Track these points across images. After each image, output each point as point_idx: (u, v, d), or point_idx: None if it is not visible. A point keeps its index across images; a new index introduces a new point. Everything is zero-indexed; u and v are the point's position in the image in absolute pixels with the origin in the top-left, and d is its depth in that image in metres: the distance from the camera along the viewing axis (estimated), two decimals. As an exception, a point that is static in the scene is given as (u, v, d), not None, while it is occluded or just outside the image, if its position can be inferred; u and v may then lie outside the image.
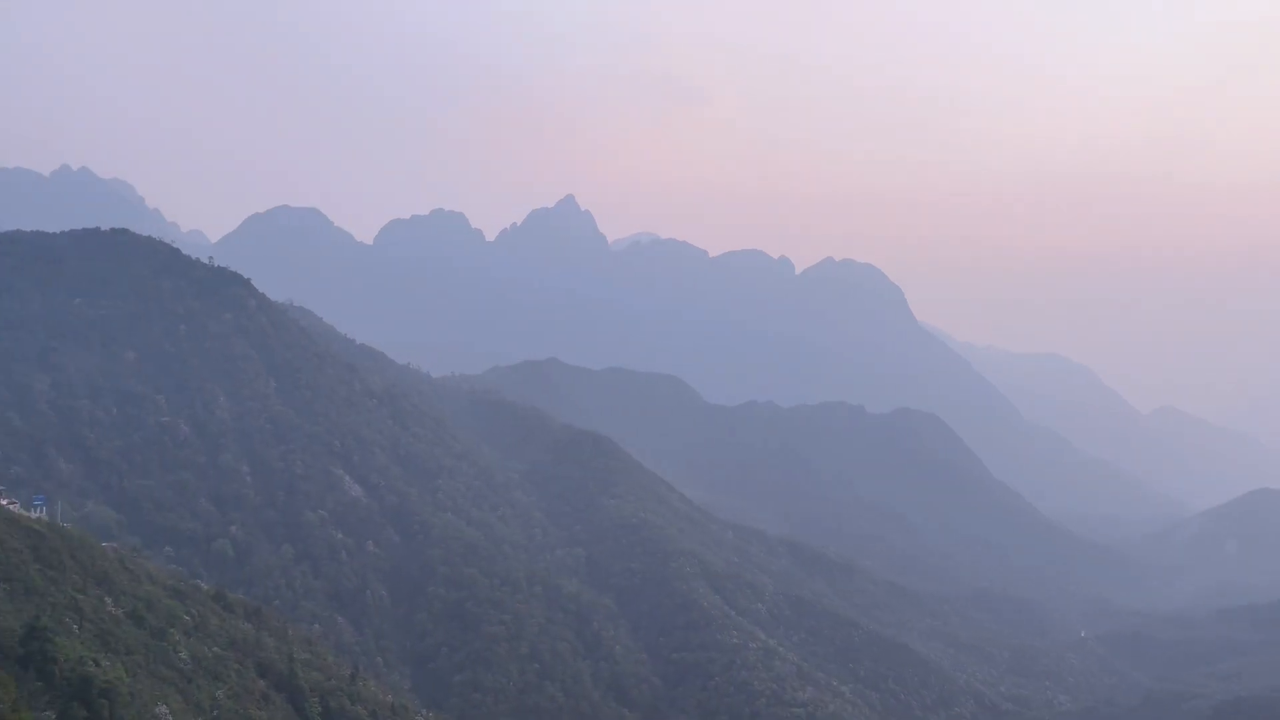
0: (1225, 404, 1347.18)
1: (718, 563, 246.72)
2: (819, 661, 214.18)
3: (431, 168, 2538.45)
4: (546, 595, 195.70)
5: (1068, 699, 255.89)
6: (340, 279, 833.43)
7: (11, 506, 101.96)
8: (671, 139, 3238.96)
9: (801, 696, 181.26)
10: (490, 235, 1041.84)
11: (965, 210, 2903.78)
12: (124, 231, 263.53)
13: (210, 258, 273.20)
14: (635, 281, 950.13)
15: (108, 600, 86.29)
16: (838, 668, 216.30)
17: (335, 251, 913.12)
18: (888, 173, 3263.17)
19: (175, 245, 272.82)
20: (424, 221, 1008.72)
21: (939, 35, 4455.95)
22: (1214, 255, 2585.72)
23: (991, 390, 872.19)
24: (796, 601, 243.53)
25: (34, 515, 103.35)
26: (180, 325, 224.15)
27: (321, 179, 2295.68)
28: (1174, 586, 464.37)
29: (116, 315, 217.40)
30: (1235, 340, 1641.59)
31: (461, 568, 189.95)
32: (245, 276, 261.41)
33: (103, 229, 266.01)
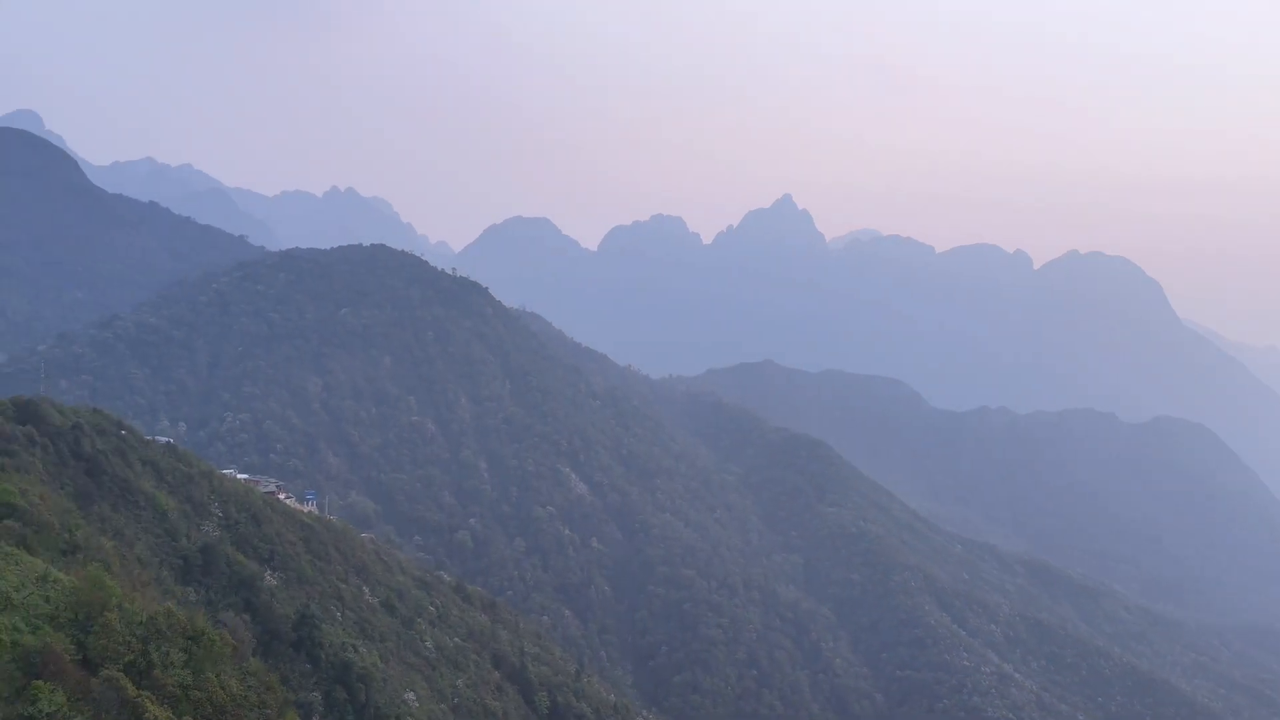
0: None
1: (945, 578, 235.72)
2: (1061, 692, 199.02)
3: (653, 175, 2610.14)
4: (764, 601, 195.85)
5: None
6: (567, 284, 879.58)
7: (288, 500, 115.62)
8: (890, 128, 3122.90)
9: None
10: (707, 238, 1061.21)
11: (1237, 190, 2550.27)
12: (381, 246, 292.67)
13: (454, 269, 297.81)
14: (854, 280, 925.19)
15: (365, 590, 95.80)
16: (1084, 700, 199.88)
17: (563, 257, 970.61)
18: (1141, 151, 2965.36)
19: (424, 257, 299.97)
20: (645, 227, 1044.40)
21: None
22: None
23: (1271, 397, 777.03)
24: (1036, 625, 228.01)
25: (306, 509, 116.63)
26: (428, 331, 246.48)
27: (549, 190, 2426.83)
28: None
29: (375, 323, 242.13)
30: None
31: (680, 568, 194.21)
32: (483, 285, 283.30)
33: (363, 244, 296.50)
